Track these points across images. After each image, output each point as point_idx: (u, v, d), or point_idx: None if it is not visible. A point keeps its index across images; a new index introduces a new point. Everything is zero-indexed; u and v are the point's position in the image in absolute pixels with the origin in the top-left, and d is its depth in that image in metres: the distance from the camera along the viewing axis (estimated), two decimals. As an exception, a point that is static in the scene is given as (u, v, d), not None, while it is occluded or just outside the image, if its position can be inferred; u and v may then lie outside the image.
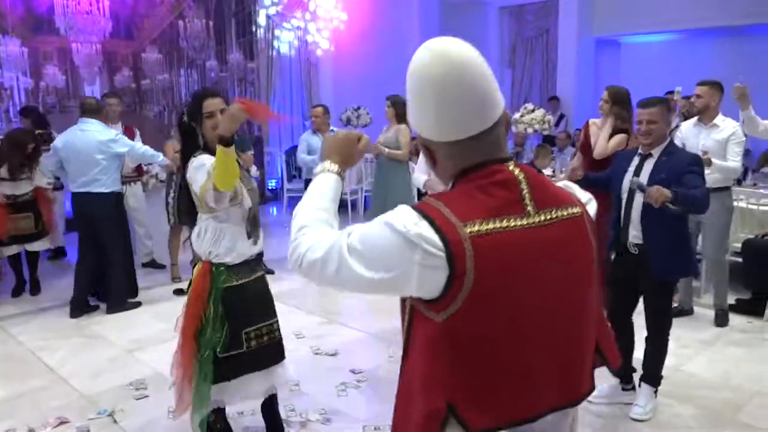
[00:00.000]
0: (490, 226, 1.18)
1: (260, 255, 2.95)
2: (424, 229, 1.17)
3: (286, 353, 2.97)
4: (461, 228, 1.16)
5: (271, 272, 5.65)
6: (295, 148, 8.86)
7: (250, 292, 2.81)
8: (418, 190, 5.14)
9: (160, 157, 5.37)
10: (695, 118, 4.74)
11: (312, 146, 6.01)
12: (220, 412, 2.93)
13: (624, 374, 3.50)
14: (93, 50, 8.38)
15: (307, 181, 6.69)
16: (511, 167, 1.26)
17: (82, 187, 4.96)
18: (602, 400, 3.45)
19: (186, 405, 2.80)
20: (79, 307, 5.06)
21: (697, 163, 3.23)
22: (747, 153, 6.79)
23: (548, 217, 1.25)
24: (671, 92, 6.80)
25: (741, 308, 4.84)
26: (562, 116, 10.25)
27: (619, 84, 4.77)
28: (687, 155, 3.36)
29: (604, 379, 3.41)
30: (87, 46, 8.32)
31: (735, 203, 4.92)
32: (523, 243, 1.20)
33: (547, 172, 6.05)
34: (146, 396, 3.63)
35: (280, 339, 2.95)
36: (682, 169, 3.15)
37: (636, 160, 3.35)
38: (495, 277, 1.17)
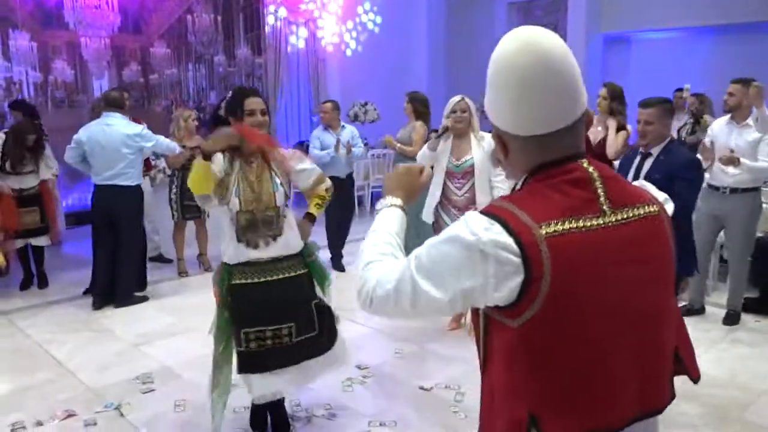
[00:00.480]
0: (566, 226, 1.13)
1: (289, 257, 2.87)
2: (496, 233, 1.12)
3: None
4: (536, 229, 1.11)
5: None
6: (302, 143, 8.87)
7: (257, 293, 2.78)
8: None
9: (176, 146, 5.45)
10: (727, 116, 4.57)
11: (324, 142, 5.99)
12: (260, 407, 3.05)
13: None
14: (102, 45, 8.40)
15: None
16: (585, 164, 1.20)
17: (107, 180, 4.96)
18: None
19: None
20: (102, 301, 5.07)
21: (691, 168, 3.22)
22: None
23: (625, 216, 1.19)
24: (680, 89, 6.77)
25: (750, 307, 4.80)
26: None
27: (629, 81, 4.75)
28: (683, 157, 3.34)
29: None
30: (96, 41, 8.34)
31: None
32: (599, 243, 1.15)
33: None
34: (153, 390, 3.65)
35: (291, 346, 2.83)
36: (675, 172, 3.14)
37: (637, 160, 3.38)
38: (572, 279, 1.12)
